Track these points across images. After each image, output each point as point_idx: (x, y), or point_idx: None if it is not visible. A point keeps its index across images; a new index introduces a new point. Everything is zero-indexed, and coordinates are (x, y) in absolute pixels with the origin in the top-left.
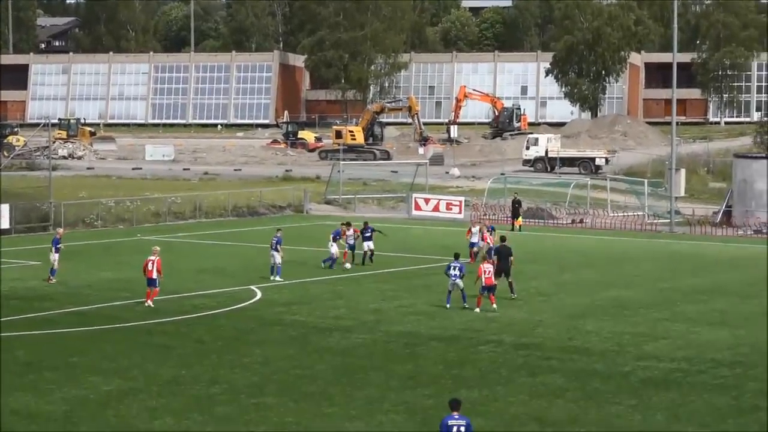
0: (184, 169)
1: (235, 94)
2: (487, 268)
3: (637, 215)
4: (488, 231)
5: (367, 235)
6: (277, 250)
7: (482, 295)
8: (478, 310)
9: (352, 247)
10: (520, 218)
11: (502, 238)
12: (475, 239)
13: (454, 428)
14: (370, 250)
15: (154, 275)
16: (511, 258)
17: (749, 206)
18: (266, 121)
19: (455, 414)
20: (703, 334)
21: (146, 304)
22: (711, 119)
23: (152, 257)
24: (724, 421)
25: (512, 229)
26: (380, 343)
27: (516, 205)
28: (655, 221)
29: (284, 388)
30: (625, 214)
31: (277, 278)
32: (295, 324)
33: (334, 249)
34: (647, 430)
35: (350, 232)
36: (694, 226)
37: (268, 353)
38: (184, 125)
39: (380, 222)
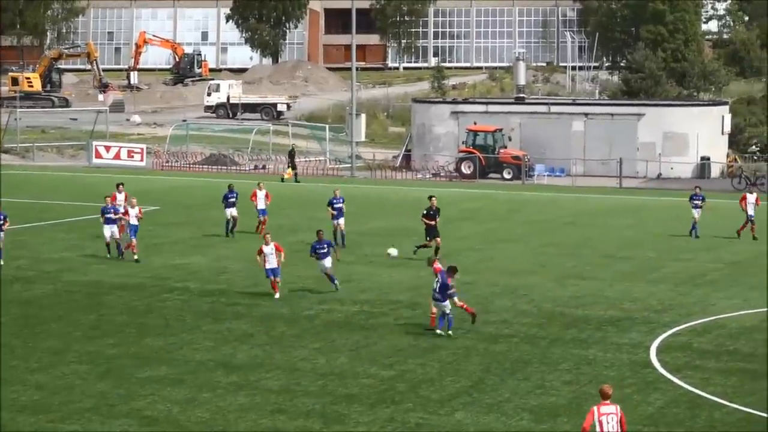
0: None
1: None
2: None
3: (319, 160)
4: None
5: (231, 200)
6: None
7: None
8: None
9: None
10: (289, 169)
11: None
12: (262, 205)
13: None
14: (233, 218)
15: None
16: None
17: (428, 150)
18: None
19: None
20: (384, 276)
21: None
22: (390, 64)
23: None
24: (406, 361)
25: (282, 180)
26: (63, 294)
27: (291, 154)
28: (337, 166)
29: None
30: (307, 159)
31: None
32: None
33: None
34: (331, 371)
35: (121, 196)
36: (375, 170)
37: None
38: None
39: (60, 171)
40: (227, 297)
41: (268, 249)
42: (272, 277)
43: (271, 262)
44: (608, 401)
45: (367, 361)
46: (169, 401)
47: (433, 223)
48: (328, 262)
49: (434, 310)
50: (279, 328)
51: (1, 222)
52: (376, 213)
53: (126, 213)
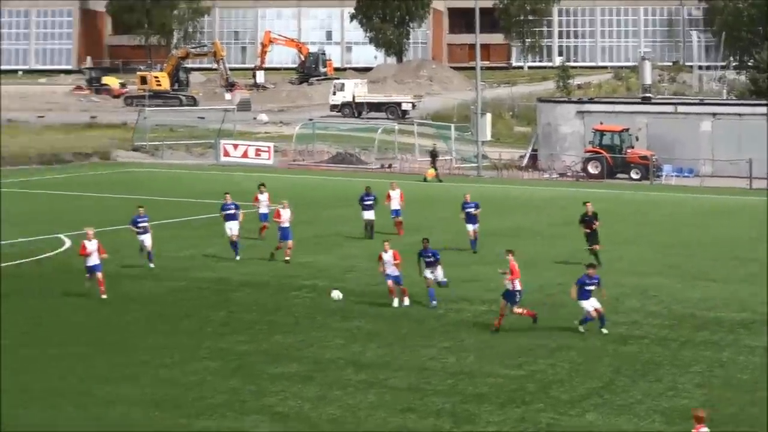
0: None
1: (36, 39)
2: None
3: (445, 160)
4: None
5: (368, 203)
6: (146, 231)
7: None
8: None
9: (264, 217)
10: (432, 169)
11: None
12: (396, 205)
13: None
14: (369, 221)
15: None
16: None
17: (554, 150)
18: (69, 67)
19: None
20: None
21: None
22: (514, 64)
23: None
24: (536, 361)
25: (425, 180)
26: (192, 290)
27: (433, 154)
28: (463, 165)
29: (93, 338)
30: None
31: (151, 264)
32: (105, 272)
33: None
34: (461, 371)
35: (264, 197)
36: (501, 170)
37: (80, 303)
38: None
39: (188, 169)
40: (355, 295)
41: (387, 256)
42: (391, 283)
43: (391, 270)
44: (703, 425)
45: (497, 361)
46: (300, 398)
47: (589, 230)
48: (438, 271)
49: (505, 310)
50: (407, 326)
51: (146, 224)
52: (504, 213)
53: (278, 215)
